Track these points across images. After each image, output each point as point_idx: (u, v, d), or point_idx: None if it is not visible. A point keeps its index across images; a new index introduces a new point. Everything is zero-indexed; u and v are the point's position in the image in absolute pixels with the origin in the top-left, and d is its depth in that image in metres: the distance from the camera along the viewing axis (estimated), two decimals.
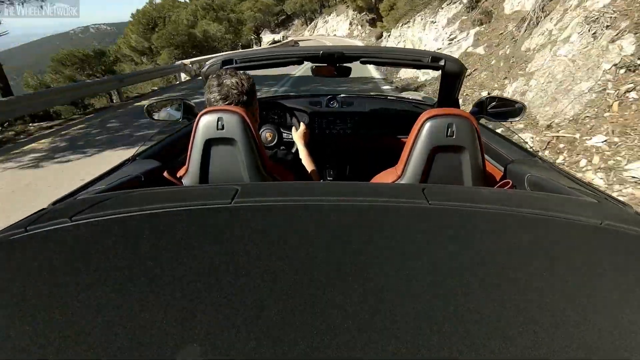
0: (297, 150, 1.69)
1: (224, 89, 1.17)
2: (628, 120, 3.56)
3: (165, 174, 1.16)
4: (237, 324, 0.35)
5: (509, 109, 1.52)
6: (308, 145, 1.72)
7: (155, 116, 1.61)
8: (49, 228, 0.58)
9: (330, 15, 48.85)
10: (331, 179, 2.21)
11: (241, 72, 1.25)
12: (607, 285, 0.43)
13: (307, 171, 1.56)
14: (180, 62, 15.20)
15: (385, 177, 1.13)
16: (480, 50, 8.04)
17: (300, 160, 1.60)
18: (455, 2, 11.29)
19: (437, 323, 0.35)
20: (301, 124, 1.81)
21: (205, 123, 1.04)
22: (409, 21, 15.41)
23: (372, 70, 12.45)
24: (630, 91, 3.73)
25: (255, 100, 1.26)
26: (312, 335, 0.34)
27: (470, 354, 0.32)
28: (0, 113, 7.13)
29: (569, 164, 3.50)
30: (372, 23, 29.12)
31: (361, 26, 29.91)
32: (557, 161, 3.58)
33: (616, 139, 3.45)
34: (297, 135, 1.75)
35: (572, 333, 0.35)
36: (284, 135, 2.00)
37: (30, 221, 0.61)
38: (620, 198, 1.59)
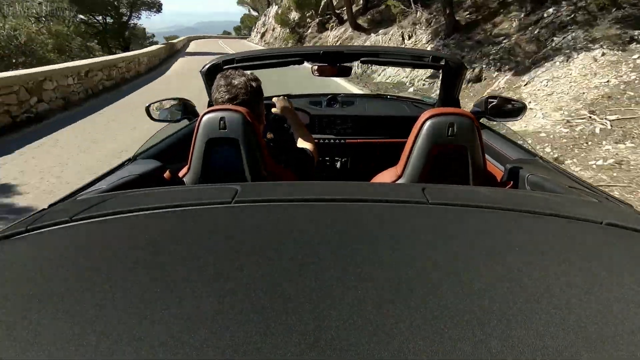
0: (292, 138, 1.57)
1: (233, 89, 1.16)
2: None
3: (166, 174, 1.16)
4: (239, 324, 0.35)
5: (509, 108, 1.51)
6: (296, 114, 1.58)
7: (156, 116, 1.59)
8: (49, 228, 0.58)
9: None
10: (337, 168, 2.20)
11: (249, 72, 1.24)
12: (608, 285, 0.42)
13: (303, 142, 1.45)
14: None
15: (386, 176, 1.13)
16: None
17: (300, 154, 1.48)
18: None
19: (438, 322, 0.35)
20: (274, 99, 1.62)
21: (208, 122, 1.03)
22: None
23: None
24: None
25: (262, 101, 1.25)
26: (314, 334, 0.34)
27: (473, 354, 0.32)
28: None
29: None
30: None
31: None
32: None
33: None
34: (277, 109, 1.56)
35: (574, 332, 0.34)
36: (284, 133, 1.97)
37: (31, 221, 0.61)
38: None
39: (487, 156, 1.27)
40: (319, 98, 2.29)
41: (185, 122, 1.66)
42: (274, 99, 1.63)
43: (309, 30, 21.93)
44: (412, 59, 1.55)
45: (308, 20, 23.34)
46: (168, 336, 0.33)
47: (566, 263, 0.46)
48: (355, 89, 9.46)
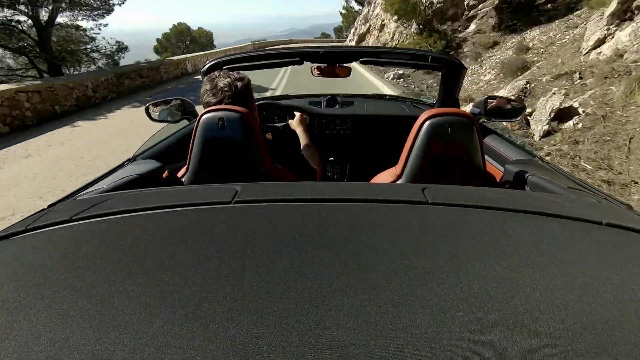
0: (296, 145, 1.64)
1: (218, 92, 1.16)
2: None
3: (165, 174, 1.18)
4: (239, 324, 0.35)
5: (508, 108, 1.51)
6: (308, 131, 1.68)
7: (155, 116, 1.59)
8: (49, 228, 0.58)
9: None
10: (336, 176, 2.22)
11: (235, 72, 1.23)
12: (608, 285, 0.42)
13: (309, 162, 1.50)
14: None
15: (385, 177, 1.14)
16: None
17: (300, 155, 1.56)
18: None
19: (438, 323, 0.35)
20: (296, 112, 1.76)
21: (207, 123, 1.04)
22: None
23: None
24: None
25: (251, 101, 1.25)
26: (314, 334, 0.34)
27: (473, 355, 0.32)
28: None
29: None
30: None
31: None
32: None
33: None
34: (295, 122, 1.69)
35: (575, 332, 0.35)
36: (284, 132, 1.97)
37: (30, 221, 0.62)
38: None
39: (486, 156, 1.27)
40: (318, 98, 2.31)
41: (184, 122, 1.67)
42: (296, 113, 1.73)
43: (471, 27, 9.80)
44: (412, 59, 1.55)
45: (470, 2, 10.17)
46: (168, 336, 0.33)
47: (566, 263, 0.47)
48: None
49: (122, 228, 0.56)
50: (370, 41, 18.95)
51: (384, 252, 0.47)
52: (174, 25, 30.81)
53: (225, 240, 0.51)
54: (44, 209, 0.76)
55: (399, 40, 14.00)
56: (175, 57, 15.37)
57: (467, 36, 9.83)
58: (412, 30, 12.23)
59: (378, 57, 1.55)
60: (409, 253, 0.48)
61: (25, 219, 0.67)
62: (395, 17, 12.64)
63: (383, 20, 16.75)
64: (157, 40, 31.24)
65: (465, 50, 9.51)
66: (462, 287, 0.41)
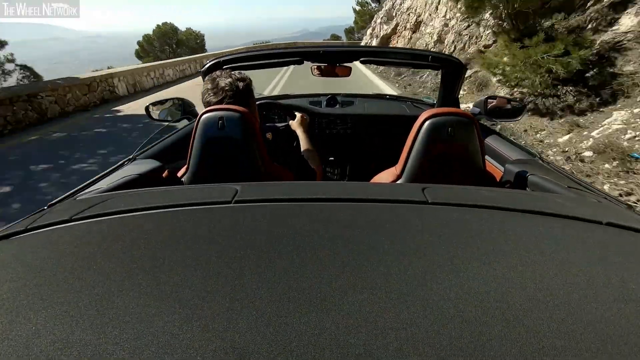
0: (296, 145, 1.65)
1: (220, 92, 1.17)
2: None
3: (165, 173, 1.17)
4: (238, 324, 0.35)
5: (509, 108, 1.52)
6: (308, 132, 1.68)
7: (155, 116, 1.59)
8: (49, 228, 0.58)
9: None
10: (336, 177, 2.22)
11: (237, 72, 1.24)
12: (608, 285, 0.42)
13: (309, 163, 1.51)
14: None
15: (385, 176, 1.14)
16: None
17: (300, 155, 1.56)
18: None
19: (438, 322, 0.35)
20: (297, 113, 1.77)
21: (207, 122, 1.04)
22: None
23: None
24: None
25: (252, 101, 1.25)
26: (313, 334, 0.34)
27: (473, 354, 0.32)
28: None
29: None
30: None
31: None
32: None
33: None
34: (295, 123, 1.70)
35: (574, 332, 0.35)
36: (285, 132, 1.96)
37: (30, 221, 0.62)
38: None
39: (486, 156, 1.27)
40: (319, 98, 2.31)
41: (184, 121, 1.67)
42: (297, 114, 1.73)
43: (626, 22, 4.97)
44: (412, 59, 1.54)
45: None
46: (167, 336, 0.33)
47: (566, 263, 0.47)
48: None
49: (122, 228, 0.57)
50: (400, 45, 13.45)
51: (384, 252, 0.47)
52: (157, 25, 26.42)
53: (225, 240, 0.51)
54: (43, 209, 0.76)
55: (455, 46, 8.36)
56: (86, 75, 9.56)
57: (620, 39, 5.05)
58: (483, 29, 7.59)
59: (378, 57, 1.56)
60: (409, 252, 0.48)
61: (24, 218, 0.67)
62: (460, 8, 7.57)
63: (419, 16, 11.79)
64: (138, 43, 26.51)
65: (629, 69, 4.59)
66: (462, 286, 0.41)
